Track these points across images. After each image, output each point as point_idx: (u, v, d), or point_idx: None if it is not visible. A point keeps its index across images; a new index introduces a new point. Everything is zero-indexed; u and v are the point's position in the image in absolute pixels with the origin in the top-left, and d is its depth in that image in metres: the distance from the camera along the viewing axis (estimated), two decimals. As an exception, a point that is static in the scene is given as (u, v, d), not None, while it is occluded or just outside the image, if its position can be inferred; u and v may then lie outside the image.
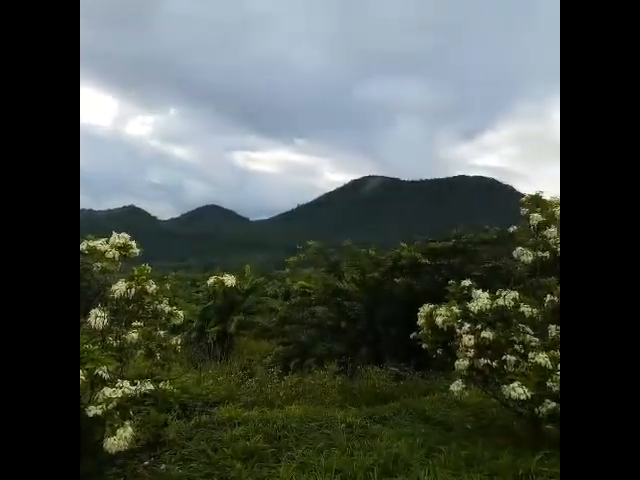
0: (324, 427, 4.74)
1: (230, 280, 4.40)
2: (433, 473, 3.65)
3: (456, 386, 4.69)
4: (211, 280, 4.55)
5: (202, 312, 13.30)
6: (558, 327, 4.79)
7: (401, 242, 11.17)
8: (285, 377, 7.40)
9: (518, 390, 4.13)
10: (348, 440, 4.37)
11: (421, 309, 5.25)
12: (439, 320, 4.88)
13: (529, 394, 4.10)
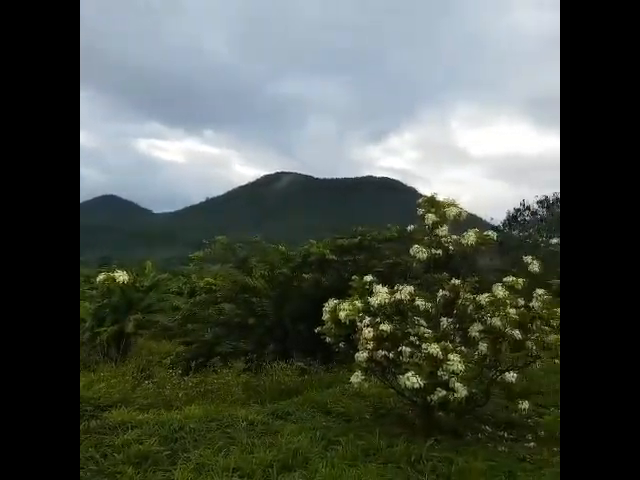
0: (225, 426, 4.63)
1: (122, 276, 4.12)
2: (331, 465, 3.72)
3: (355, 377, 4.83)
4: (101, 276, 4.23)
5: (95, 311, 12.32)
6: (449, 319, 5.15)
7: (310, 239, 11.30)
8: (186, 377, 7.13)
9: (412, 379, 4.35)
10: (249, 438, 4.31)
11: (326, 304, 5.35)
12: (342, 314, 5.00)
13: (422, 383, 4.34)
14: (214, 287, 10.20)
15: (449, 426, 4.97)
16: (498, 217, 33.62)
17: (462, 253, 5.44)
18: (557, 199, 30.46)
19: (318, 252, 9.93)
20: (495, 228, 32.22)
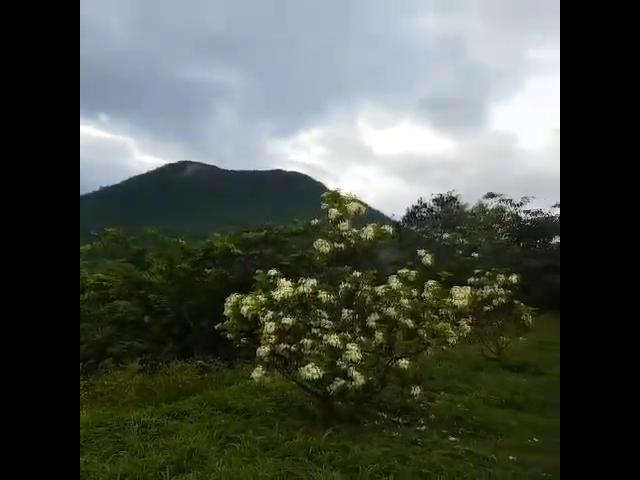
0: (114, 430, 4.32)
1: None
2: (228, 463, 3.62)
3: (257, 372, 4.78)
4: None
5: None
6: (350, 310, 5.28)
7: (215, 232, 10.98)
8: (73, 380, 6.54)
9: (312, 371, 4.39)
10: (141, 441, 4.05)
11: (228, 299, 5.22)
12: (244, 309, 4.92)
13: (321, 373, 4.40)
14: (105, 283, 9.49)
15: (348, 415, 5.10)
16: (399, 213, 35.38)
17: (364, 247, 5.60)
18: (451, 197, 32.80)
19: (222, 246, 9.68)
20: (396, 224, 33.94)
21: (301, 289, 4.97)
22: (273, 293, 4.99)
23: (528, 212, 18.56)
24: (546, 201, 22.92)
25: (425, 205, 33.99)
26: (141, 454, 3.79)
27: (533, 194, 19.69)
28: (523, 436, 4.72)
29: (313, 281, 5.02)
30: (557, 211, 17.95)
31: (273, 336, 4.79)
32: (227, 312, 5.17)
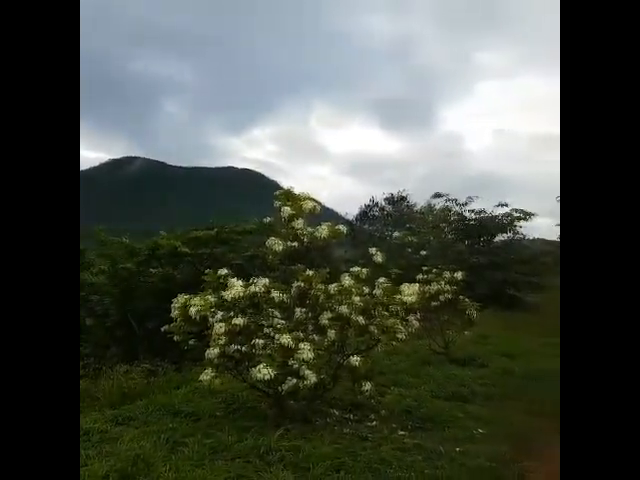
0: (53, 440, 4.08)
1: None
2: (175, 468, 3.52)
3: (206, 375, 4.67)
4: None
5: None
6: (303, 309, 5.27)
7: (161, 230, 10.65)
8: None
9: (263, 371, 4.35)
10: (83, 449, 3.86)
11: (175, 300, 5.07)
12: (193, 310, 4.80)
13: (273, 373, 4.37)
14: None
15: (300, 414, 5.09)
16: (352, 212, 35.85)
17: (318, 245, 5.61)
18: (402, 196, 33.59)
19: (168, 245, 9.39)
20: (349, 222, 34.36)
21: (253, 289, 4.91)
22: (223, 293, 4.90)
23: (473, 211, 19.28)
24: (490, 200, 23.91)
25: (377, 204, 34.67)
26: (83, 463, 3.61)
27: (478, 194, 20.51)
28: (469, 427, 4.88)
29: (265, 280, 4.98)
30: (500, 210, 18.75)
31: (223, 337, 4.70)
32: (174, 313, 5.03)
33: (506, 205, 18.50)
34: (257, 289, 4.85)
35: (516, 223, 18.32)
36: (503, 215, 18.51)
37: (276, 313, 5.08)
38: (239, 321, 4.66)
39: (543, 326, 12.61)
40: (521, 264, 17.61)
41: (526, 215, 18.16)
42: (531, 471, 3.99)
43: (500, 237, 18.96)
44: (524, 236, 18.95)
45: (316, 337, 5.03)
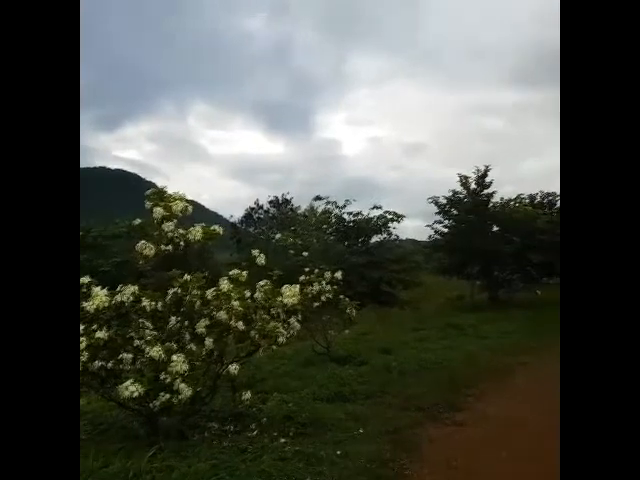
0: None
1: None
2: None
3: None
4: None
5: None
6: (178, 318, 4.91)
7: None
8: None
9: (131, 388, 3.95)
10: None
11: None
12: (48, 324, 4.18)
13: (142, 390, 3.99)
14: None
15: (175, 430, 4.74)
16: (237, 214, 35.34)
17: (195, 249, 5.28)
18: (285, 199, 33.94)
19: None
20: (234, 225, 33.81)
21: (119, 298, 4.46)
22: (85, 304, 4.37)
23: (350, 214, 20.19)
24: (366, 203, 25.29)
25: (261, 207, 34.66)
26: None
27: (355, 197, 21.51)
28: (350, 428, 4.95)
29: (133, 288, 4.54)
30: (375, 212, 19.90)
31: (85, 353, 4.19)
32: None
33: (380, 208, 19.74)
34: (124, 298, 4.41)
35: (389, 224, 19.61)
36: (378, 217, 19.68)
37: (147, 324, 4.67)
38: (102, 334, 4.19)
39: (414, 320, 13.61)
40: (394, 263, 18.84)
41: (397, 217, 19.57)
42: (409, 468, 4.15)
43: (376, 238, 20.12)
44: (397, 237, 20.34)
45: (194, 347, 4.74)
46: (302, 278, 7.86)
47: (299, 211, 27.64)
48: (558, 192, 19.78)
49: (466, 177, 18.44)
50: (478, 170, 18.40)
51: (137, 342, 4.47)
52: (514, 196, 19.19)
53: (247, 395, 4.76)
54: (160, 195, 5.25)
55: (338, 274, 7.96)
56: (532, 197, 19.45)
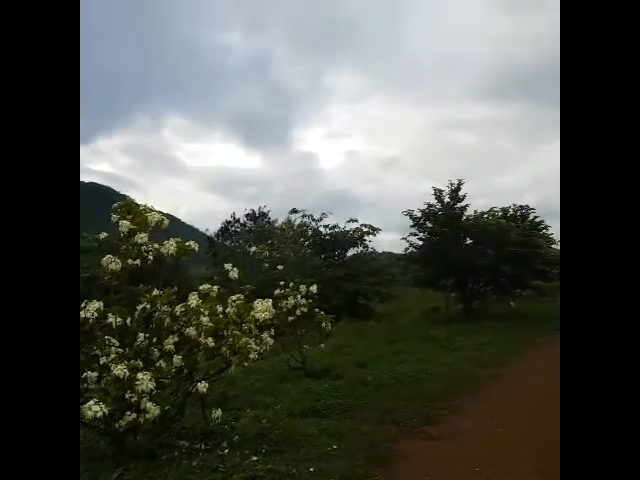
0: None
1: None
2: None
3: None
4: None
5: None
6: (146, 334, 4.77)
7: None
8: None
9: (94, 408, 3.79)
10: None
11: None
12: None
13: (106, 410, 3.83)
14: None
15: (144, 450, 4.57)
16: (214, 228, 35.00)
17: (167, 263, 5.15)
18: (262, 212, 33.80)
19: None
20: (209, 238, 33.44)
21: (83, 314, 4.30)
22: (47, 320, 4.20)
23: (327, 227, 20.23)
24: (342, 216, 25.44)
25: (238, 220, 34.43)
26: None
27: (332, 210, 21.56)
28: (323, 444, 4.85)
29: (98, 304, 4.39)
30: (351, 225, 19.97)
31: (46, 372, 4.01)
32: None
33: (356, 221, 19.82)
34: (87, 315, 4.25)
35: (365, 237, 19.71)
36: (354, 230, 19.76)
37: (113, 341, 4.52)
38: (64, 353, 4.01)
39: (390, 333, 13.61)
40: (370, 275, 18.89)
41: (373, 230, 19.69)
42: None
43: (352, 251, 20.16)
44: (373, 250, 20.45)
45: (163, 364, 4.60)
46: (277, 292, 7.79)
47: (276, 224, 27.56)
48: (530, 205, 20.28)
49: (440, 190, 18.73)
50: (452, 184, 18.73)
51: (102, 360, 4.31)
52: (487, 209, 19.55)
53: (218, 413, 4.63)
54: (127, 208, 5.13)
55: (313, 287, 7.91)
56: (505, 210, 19.80)
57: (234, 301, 5.07)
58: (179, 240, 5.07)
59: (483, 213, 19.14)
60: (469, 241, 19.09)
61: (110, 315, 4.42)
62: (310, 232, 20.75)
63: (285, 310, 7.41)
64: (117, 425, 4.13)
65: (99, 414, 3.81)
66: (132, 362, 4.16)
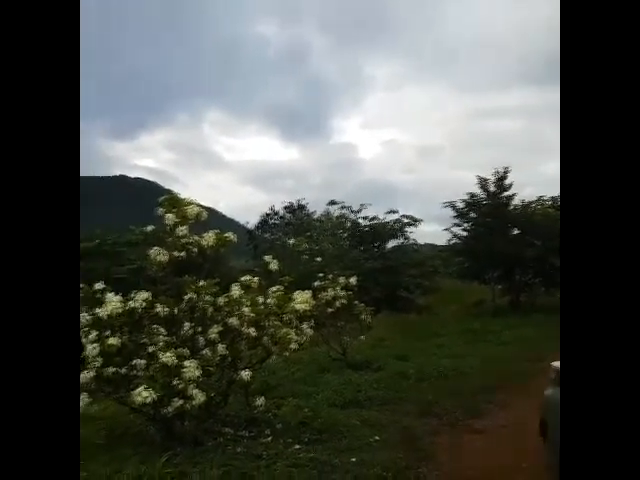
0: None
1: None
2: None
3: (80, 402, 4.13)
4: None
5: None
6: (192, 323, 4.91)
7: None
8: None
9: (143, 394, 3.96)
10: None
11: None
12: (62, 331, 4.21)
13: (155, 396, 3.98)
14: None
15: (190, 435, 4.72)
16: (253, 221, 35.51)
17: (208, 255, 5.27)
18: (300, 205, 33.99)
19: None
20: (250, 231, 33.98)
21: (132, 304, 4.47)
22: (98, 310, 4.40)
23: (366, 218, 20.07)
24: (381, 208, 25.14)
25: (277, 213, 34.76)
26: None
27: (370, 201, 21.35)
28: (365, 435, 4.85)
29: (146, 294, 4.55)
30: (391, 217, 19.71)
31: (99, 359, 4.22)
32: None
33: (396, 212, 19.55)
34: (137, 304, 4.42)
35: (406, 229, 19.42)
36: (394, 221, 19.50)
37: (161, 330, 4.67)
38: (114, 341, 4.20)
39: (433, 327, 13.40)
40: (412, 268, 18.63)
41: (414, 221, 19.36)
42: (426, 477, 4.04)
43: (392, 242, 19.94)
44: (415, 241, 20.14)
45: (208, 352, 4.73)
46: (316, 283, 7.83)
47: (314, 216, 27.64)
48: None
49: (485, 179, 18.18)
50: (497, 172, 18.13)
51: (151, 348, 4.47)
52: (535, 198, 18.81)
53: (261, 400, 4.72)
54: (172, 201, 5.27)
55: (352, 279, 7.89)
56: (554, 199, 18.97)
57: (274, 292, 5.13)
58: (218, 232, 5.17)
59: (531, 202, 18.43)
60: (516, 232, 18.48)
61: (158, 305, 4.58)
62: (349, 224, 20.67)
63: (324, 302, 7.44)
64: (165, 411, 4.28)
65: (148, 400, 3.97)
66: (179, 350, 4.29)
